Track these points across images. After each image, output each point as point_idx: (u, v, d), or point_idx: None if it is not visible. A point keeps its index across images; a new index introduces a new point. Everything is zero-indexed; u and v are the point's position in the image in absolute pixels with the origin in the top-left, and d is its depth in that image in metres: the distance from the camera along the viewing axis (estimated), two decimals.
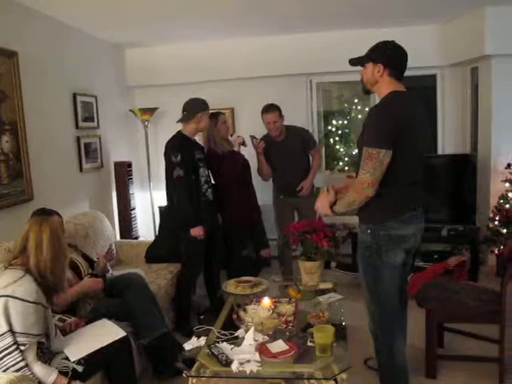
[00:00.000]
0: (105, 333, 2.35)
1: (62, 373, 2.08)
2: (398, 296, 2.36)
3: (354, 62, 2.47)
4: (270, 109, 3.93)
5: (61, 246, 2.22)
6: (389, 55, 2.32)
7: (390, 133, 2.14)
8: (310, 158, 4.17)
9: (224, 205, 3.79)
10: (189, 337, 2.40)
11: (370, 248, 2.29)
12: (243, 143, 3.90)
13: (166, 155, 3.46)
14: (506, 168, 4.37)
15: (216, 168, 3.79)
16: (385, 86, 2.31)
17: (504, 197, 4.36)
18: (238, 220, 3.83)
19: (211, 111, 3.66)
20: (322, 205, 2.43)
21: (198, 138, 3.80)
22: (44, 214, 2.75)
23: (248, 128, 4.15)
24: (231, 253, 3.91)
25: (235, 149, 3.87)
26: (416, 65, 4.91)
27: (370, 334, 2.51)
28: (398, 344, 2.40)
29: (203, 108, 3.51)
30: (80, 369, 2.13)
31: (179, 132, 3.57)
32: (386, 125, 2.17)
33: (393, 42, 2.36)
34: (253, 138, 3.95)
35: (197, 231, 3.42)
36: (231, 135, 4.06)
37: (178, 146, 3.44)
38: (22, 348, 1.98)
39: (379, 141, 2.14)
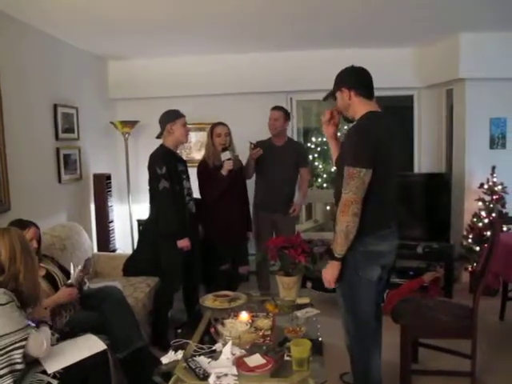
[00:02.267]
0: (84, 346, 2.32)
1: None
2: (373, 312, 2.42)
3: (326, 97, 2.58)
4: (277, 107, 4.10)
5: (32, 259, 2.20)
6: (349, 77, 2.42)
7: (369, 152, 2.21)
8: (298, 177, 4.22)
9: (207, 219, 3.80)
10: (166, 351, 2.39)
11: (347, 264, 2.32)
12: (231, 171, 3.76)
13: (151, 167, 3.46)
14: (479, 187, 4.50)
15: (202, 181, 3.81)
16: (358, 106, 2.38)
17: (477, 215, 4.48)
18: (220, 236, 3.83)
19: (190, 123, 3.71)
20: (330, 277, 2.38)
21: (179, 152, 3.82)
22: (22, 225, 2.75)
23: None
24: (210, 267, 3.91)
25: (223, 172, 3.71)
26: (394, 85, 5.11)
27: (345, 349, 2.55)
28: (374, 359, 2.44)
29: (171, 119, 3.52)
30: (55, 383, 2.10)
31: (161, 145, 3.59)
32: (364, 145, 2.23)
33: (351, 66, 2.46)
34: (251, 144, 3.97)
35: (184, 243, 3.43)
36: (227, 148, 3.81)
37: (162, 157, 3.46)
38: (23, 343, 2.00)
39: (360, 160, 2.21)
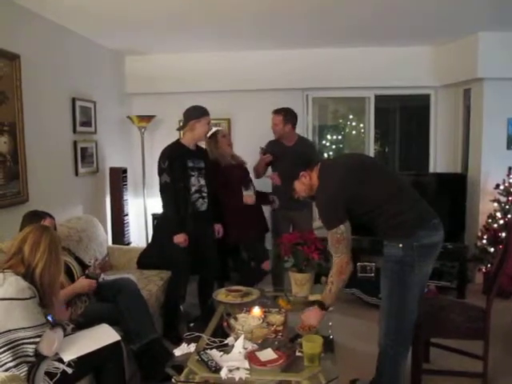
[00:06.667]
0: (99, 336, 2.35)
1: (51, 374, 2.10)
2: (415, 313, 2.41)
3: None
4: (277, 111, 4.04)
5: (57, 259, 2.20)
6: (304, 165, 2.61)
7: (337, 207, 2.33)
8: None
9: (224, 217, 3.82)
10: (176, 344, 2.43)
11: (402, 262, 2.30)
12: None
13: (158, 162, 3.51)
14: (494, 188, 4.46)
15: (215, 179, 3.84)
16: (315, 177, 2.50)
17: (492, 216, 4.44)
18: (239, 233, 3.86)
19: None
20: (313, 323, 2.39)
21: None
22: (37, 216, 2.80)
23: (244, 139, 4.19)
24: (226, 264, 3.97)
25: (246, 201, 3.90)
26: (410, 84, 5.07)
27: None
28: (404, 361, 2.44)
29: (196, 116, 3.51)
30: (70, 371, 2.13)
31: (176, 140, 3.62)
32: (330, 203, 2.36)
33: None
34: (262, 148, 4.02)
35: (179, 238, 3.44)
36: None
37: (168, 152, 3.49)
38: (37, 340, 2.03)
39: (335, 220, 2.33)
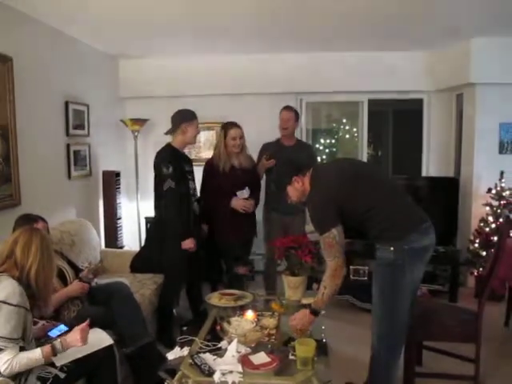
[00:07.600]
0: (92, 340, 2.33)
1: (43, 379, 2.08)
2: (407, 315, 2.41)
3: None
4: (289, 108, 4.10)
5: (49, 258, 2.18)
6: (297, 169, 2.60)
7: (329, 211, 2.33)
8: None
9: (214, 217, 3.79)
10: (170, 348, 2.42)
11: (393, 265, 2.30)
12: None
13: (157, 167, 3.44)
14: (486, 192, 4.49)
15: (207, 181, 3.80)
16: (307, 182, 2.52)
17: (484, 220, 4.47)
18: (226, 236, 3.80)
19: (203, 123, 3.68)
20: (301, 326, 2.38)
21: (188, 151, 3.83)
22: (29, 219, 2.78)
23: None
24: (215, 266, 3.95)
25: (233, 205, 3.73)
26: (404, 89, 5.11)
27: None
28: (397, 363, 2.44)
29: (187, 119, 3.49)
30: (62, 375, 2.12)
31: (169, 144, 3.57)
32: (321, 207, 2.36)
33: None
34: (266, 154, 3.99)
35: (188, 244, 3.42)
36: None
37: (169, 157, 3.43)
38: None
39: (327, 225, 2.32)
